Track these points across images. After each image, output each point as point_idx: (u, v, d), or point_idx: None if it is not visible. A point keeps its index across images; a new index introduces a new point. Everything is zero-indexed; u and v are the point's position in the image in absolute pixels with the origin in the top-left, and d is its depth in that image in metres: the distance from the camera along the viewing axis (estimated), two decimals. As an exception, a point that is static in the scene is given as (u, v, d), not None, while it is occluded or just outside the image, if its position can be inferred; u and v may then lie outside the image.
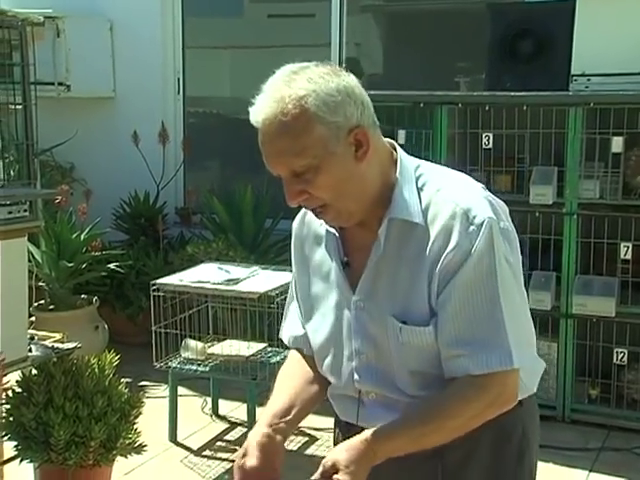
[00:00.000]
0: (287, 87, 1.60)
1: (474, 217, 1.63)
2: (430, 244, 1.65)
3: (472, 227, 1.63)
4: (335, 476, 1.55)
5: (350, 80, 1.65)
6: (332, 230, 1.77)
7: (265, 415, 1.82)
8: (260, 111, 1.62)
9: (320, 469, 1.60)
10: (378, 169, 1.70)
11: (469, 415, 1.66)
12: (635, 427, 4.38)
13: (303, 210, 1.86)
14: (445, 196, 1.68)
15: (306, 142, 1.58)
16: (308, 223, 1.87)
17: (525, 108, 4.42)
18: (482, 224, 1.63)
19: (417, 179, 1.72)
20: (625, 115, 4.22)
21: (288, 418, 1.81)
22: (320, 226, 1.81)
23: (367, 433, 1.64)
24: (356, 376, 1.78)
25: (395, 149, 1.76)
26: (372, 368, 1.76)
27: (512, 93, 4.40)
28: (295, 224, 1.93)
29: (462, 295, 1.63)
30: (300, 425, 4.59)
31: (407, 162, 1.74)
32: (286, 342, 2.01)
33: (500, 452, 1.77)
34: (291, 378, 1.92)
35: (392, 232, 1.69)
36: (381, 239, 1.69)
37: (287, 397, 1.86)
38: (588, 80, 4.36)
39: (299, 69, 1.64)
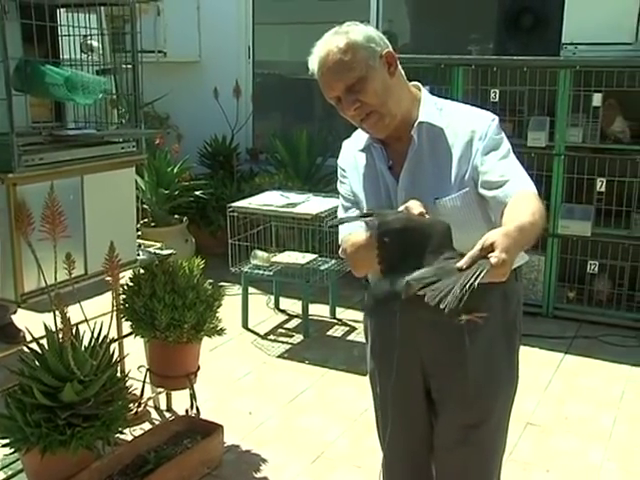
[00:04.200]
0: (334, 36, 1.73)
1: (486, 117, 1.77)
2: (456, 145, 1.74)
3: (486, 122, 1.75)
4: (492, 254, 1.37)
5: (375, 30, 1.77)
6: (377, 145, 1.83)
7: None
8: (317, 54, 1.73)
9: (478, 246, 1.40)
10: (407, 92, 1.81)
11: (540, 211, 1.58)
12: (601, 321, 4.41)
13: (348, 140, 1.94)
14: (461, 111, 1.81)
15: (354, 59, 1.69)
16: (356, 141, 1.90)
17: (525, 69, 4.37)
18: (493, 119, 1.77)
19: (435, 104, 1.82)
20: (604, 76, 4.15)
21: None
22: (366, 140, 1.85)
23: (509, 227, 1.47)
24: None
25: (420, 89, 1.86)
26: None
27: (514, 57, 4.33)
28: (345, 142, 1.95)
29: (494, 160, 1.71)
30: (342, 318, 4.68)
31: (428, 94, 1.85)
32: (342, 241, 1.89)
33: (506, 312, 1.87)
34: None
35: (422, 134, 1.77)
36: (414, 137, 1.76)
37: None
38: (575, 48, 4.24)
39: (338, 28, 1.76)
